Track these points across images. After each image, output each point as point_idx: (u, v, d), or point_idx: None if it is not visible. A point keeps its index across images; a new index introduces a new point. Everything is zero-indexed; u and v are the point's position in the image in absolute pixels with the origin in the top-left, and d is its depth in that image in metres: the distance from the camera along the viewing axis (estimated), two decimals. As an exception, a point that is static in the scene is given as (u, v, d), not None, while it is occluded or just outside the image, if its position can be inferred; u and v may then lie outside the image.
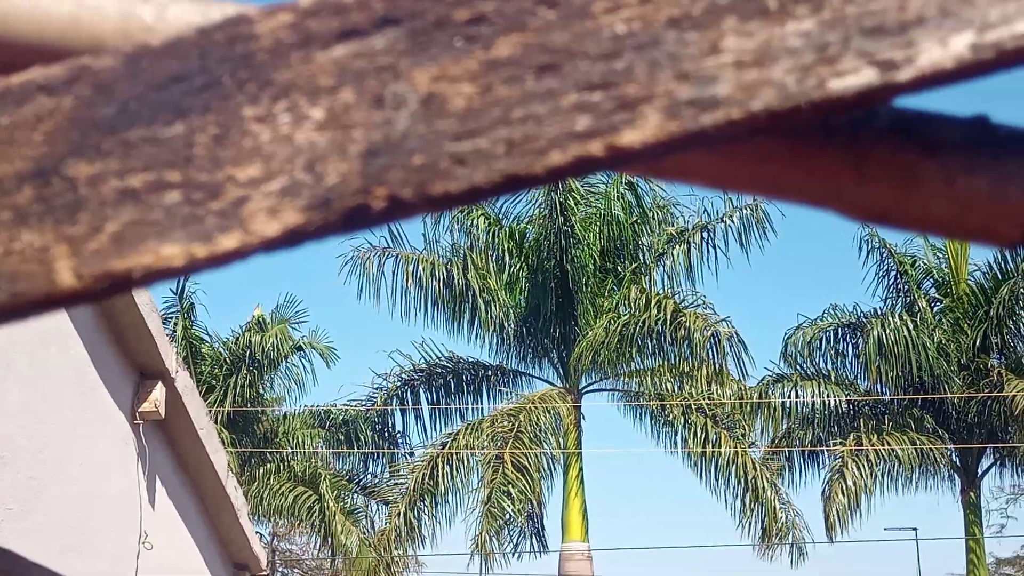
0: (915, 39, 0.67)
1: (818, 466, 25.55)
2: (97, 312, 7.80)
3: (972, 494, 25.46)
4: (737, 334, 23.00)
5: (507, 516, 22.98)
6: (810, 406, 25.20)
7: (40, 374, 7.10)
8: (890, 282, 25.94)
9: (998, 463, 25.91)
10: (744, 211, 24.05)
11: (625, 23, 0.70)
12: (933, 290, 26.05)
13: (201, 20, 0.75)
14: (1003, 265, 24.82)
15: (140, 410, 8.23)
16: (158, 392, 8.30)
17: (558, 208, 23.27)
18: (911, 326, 24.07)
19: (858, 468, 24.04)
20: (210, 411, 23.78)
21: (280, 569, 40.85)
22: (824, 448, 25.28)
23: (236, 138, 0.72)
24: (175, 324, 26.08)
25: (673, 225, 24.76)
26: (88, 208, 0.73)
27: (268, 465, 26.59)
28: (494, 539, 22.77)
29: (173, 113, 0.73)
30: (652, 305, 22.70)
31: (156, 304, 8.12)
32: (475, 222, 24.59)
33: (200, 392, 24.26)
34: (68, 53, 0.79)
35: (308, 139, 0.72)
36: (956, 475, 25.59)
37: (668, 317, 22.42)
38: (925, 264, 26.15)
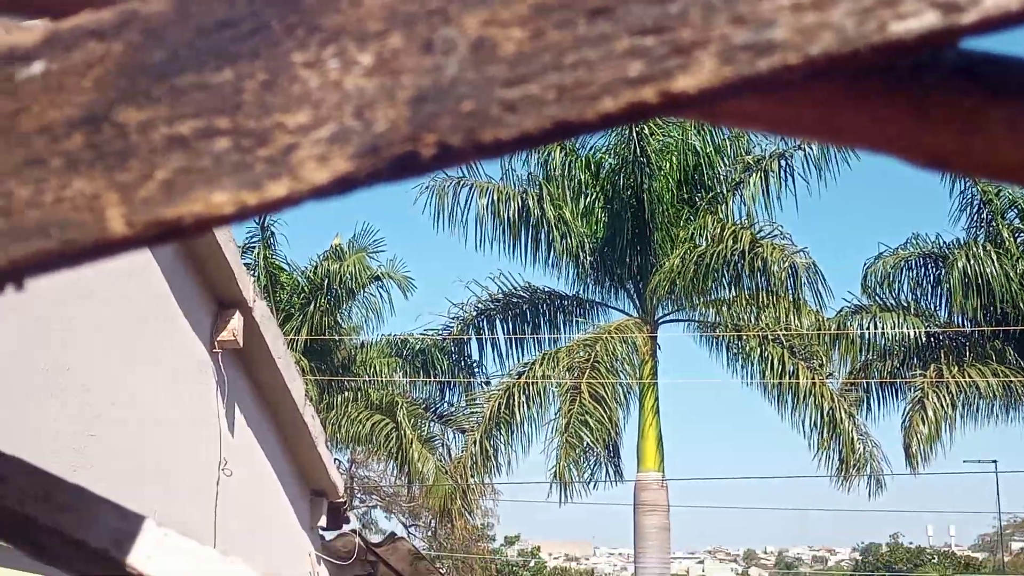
0: (981, -21, 0.65)
1: (896, 398, 25.36)
2: (177, 243, 7.89)
3: (1054, 427, 25.17)
4: (815, 264, 22.78)
5: (584, 446, 23.08)
6: (889, 337, 24.98)
7: (120, 303, 7.21)
8: (973, 212, 25.53)
9: (1082, 395, 25.55)
10: (823, 139, 23.69)
11: (679, -35, 0.68)
12: (1017, 220, 25.61)
13: (250, -36, 0.74)
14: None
15: (218, 339, 8.33)
16: (236, 321, 8.39)
17: (634, 138, 23.11)
18: (995, 257, 23.71)
19: (939, 399, 23.83)
20: (288, 339, 24.09)
21: (358, 495, 41.41)
22: (903, 380, 25.06)
23: (285, 84, 0.72)
24: (256, 254, 26.35)
25: (750, 154, 24.49)
26: (138, 155, 0.73)
27: (346, 393, 26.90)
28: (572, 468, 22.89)
29: (222, 59, 0.73)
30: (728, 235, 22.53)
31: (235, 234, 8.20)
32: (551, 152, 24.50)
33: (278, 320, 24.53)
34: (117, -2, 0.78)
35: (357, 85, 0.71)
36: (1038, 408, 25.29)
37: (745, 248, 22.25)
38: (1010, 195, 25.69)
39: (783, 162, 23.95)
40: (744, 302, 23.51)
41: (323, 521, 10.14)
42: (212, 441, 8.19)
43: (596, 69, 0.68)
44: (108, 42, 0.74)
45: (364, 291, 27.41)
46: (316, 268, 27.04)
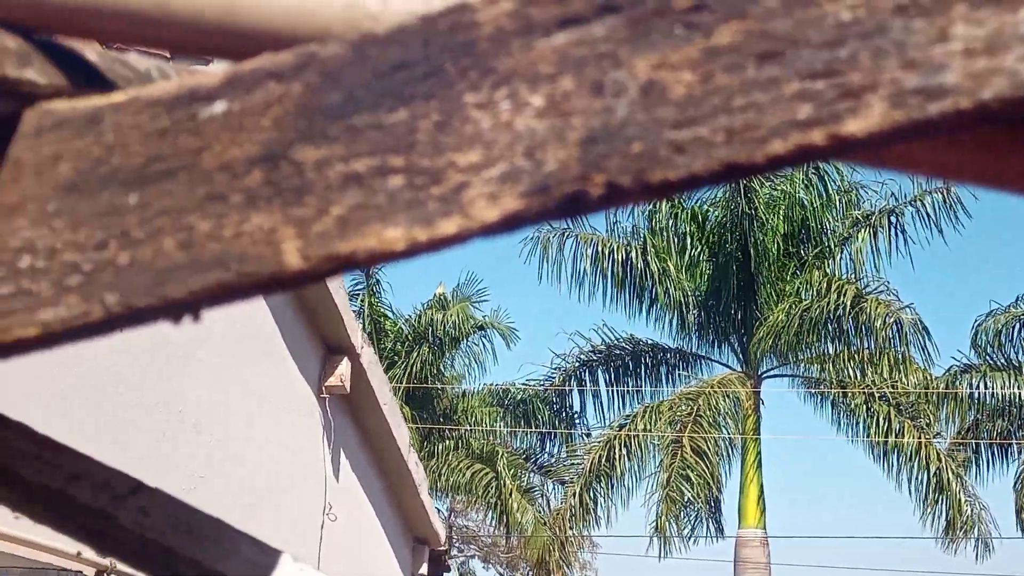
0: None
1: (1007, 459, 24.80)
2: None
3: None
4: (920, 321, 22.43)
5: (685, 500, 22.87)
6: (1000, 397, 24.47)
7: (233, 346, 7.32)
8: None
9: None
10: (934, 195, 23.41)
11: (850, 10, 0.69)
12: None
13: (424, 8, 0.77)
14: None
15: (327, 384, 8.43)
16: (344, 367, 8.48)
17: (742, 191, 23.01)
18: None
19: (1051, 461, 23.31)
20: (391, 387, 24.24)
21: (457, 544, 41.41)
22: (1015, 441, 24.52)
23: (457, 124, 0.74)
24: (361, 301, 26.61)
25: (859, 208, 24.24)
26: (315, 191, 0.75)
27: (447, 442, 26.95)
28: (672, 523, 22.68)
29: (397, 99, 0.75)
30: (833, 290, 22.30)
31: (343, 281, 8.30)
32: (657, 204, 24.46)
33: (382, 368, 24.70)
34: (296, 41, 0.81)
35: (528, 126, 0.73)
36: None
37: (849, 303, 21.99)
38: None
39: (893, 218, 23.68)
40: (848, 358, 23.21)
41: (424, 568, 10.16)
42: (318, 485, 8.26)
43: (765, 112, 0.69)
44: (287, 83, 0.77)
45: (467, 340, 27.52)
46: (420, 316, 27.21)
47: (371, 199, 0.74)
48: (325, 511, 8.25)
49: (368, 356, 8.82)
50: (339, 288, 8.37)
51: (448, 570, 10.66)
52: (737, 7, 0.71)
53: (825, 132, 0.69)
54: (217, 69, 0.79)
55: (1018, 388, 24.15)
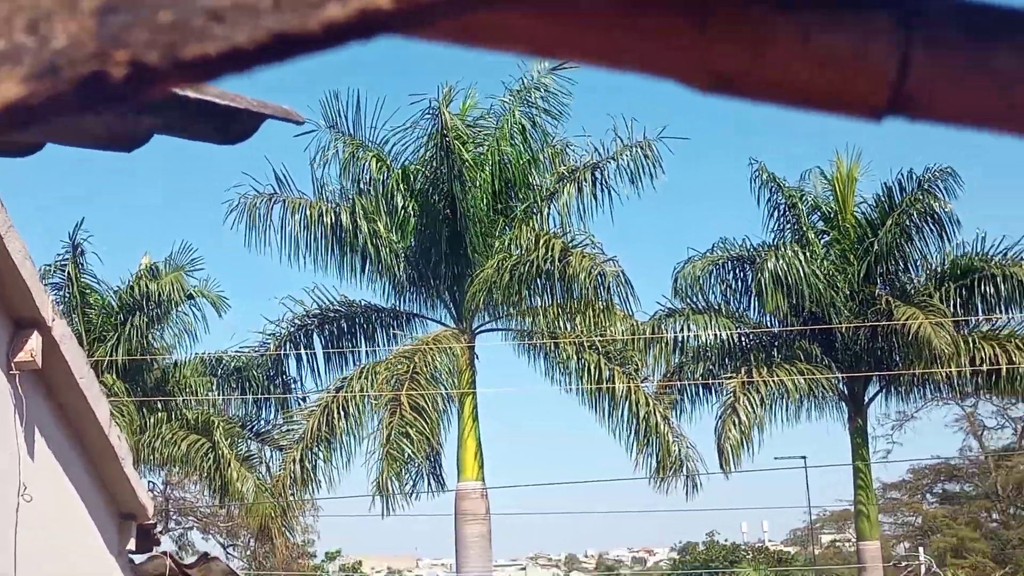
0: None
1: (711, 399, 25.89)
2: (-34, 260, 7.52)
3: (859, 421, 25.99)
4: (623, 273, 23.11)
5: (406, 457, 22.95)
6: (702, 340, 25.48)
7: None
8: (779, 216, 26.24)
9: (884, 390, 26.47)
10: (635, 149, 24.07)
11: None
12: (820, 223, 26.40)
13: None
14: (889, 197, 25.22)
15: (16, 360, 7.98)
16: (34, 341, 8.04)
17: (444, 148, 23.11)
18: (802, 257, 24.39)
19: (749, 401, 24.39)
20: (103, 361, 23.35)
21: (174, 517, 40.45)
22: (715, 381, 25.59)
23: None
24: (67, 272, 25.61)
25: (565, 164, 24.72)
26: None
27: (159, 414, 26.24)
28: (394, 480, 22.72)
29: None
30: (541, 245, 22.70)
31: (28, 250, 7.84)
32: (367, 163, 24.35)
33: (89, 341, 23.75)
34: None
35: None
36: (844, 403, 26.10)
37: (556, 256, 22.44)
38: (813, 199, 26.48)
39: (597, 172, 24.24)
40: (558, 310, 23.71)
41: (132, 544, 9.79)
42: (11, 465, 7.82)
43: (321, -29, 0.57)
44: None
45: (177, 310, 26.76)
46: (131, 288, 26.30)
47: None
48: (20, 492, 7.82)
49: (60, 329, 8.38)
50: (25, 259, 7.91)
51: (158, 543, 10.29)
52: None
53: (393, -7, 0.57)
54: None
55: (718, 330, 25.19)
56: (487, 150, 23.98)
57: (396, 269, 24.36)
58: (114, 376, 25.06)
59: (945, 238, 25.09)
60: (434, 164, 23.71)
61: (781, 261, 24.32)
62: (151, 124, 1.86)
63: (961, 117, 0.65)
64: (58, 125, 1.85)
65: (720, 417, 24.70)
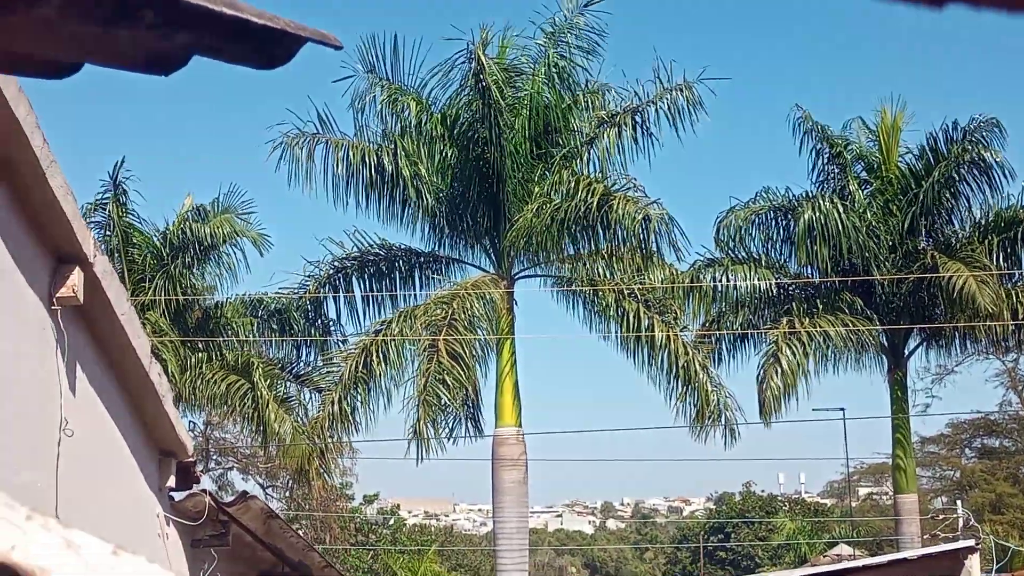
0: None
1: (750, 349, 25.80)
2: (10, 195, 7.55)
3: (899, 374, 25.86)
4: (668, 215, 22.87)
5: (443, 403, 22.99)
6: (741, 290, 25.36)
7: (-52, 258, 6.88)
8: (823, 165, 26.01)
9: (924, 343, 26.31)
10: (675, 93, 23.87)
11: None
12: (864, 173, 26.15)
13: None
14: (934, 148, 24.95)
15: (57, 295, 8.02)
16: (76, 277, 8.08)
17: (482, 92, 22.98)
18: (841, 209, 24.19)
19: (791, 351, 24.27)
20: (146, 300, 23.51)
21: (215, 457, 40.83)
22: (756, 331, 25.49)
23: None
24: (108, 211, 25.71)
25: (604, 108, 24.54)
26: None
27: (200, 354, 26.40)
28: (430, 426, 22.77)
29: None
30: (582, 189, 22.58)
31: (70, 187, 7.87)
32: (407, 106, 24.27)
33: (132, 281, 23.89)
34: None
35: None
36: (884, 356, 25.96)
37: (598, 201, 22.31)
38: (857, 148, 26.22)
39: (637, 116, 24.06)
40: (599, 256, 23.63)
41: (172, 482, 9.88)
42: (52, 401, 7.89)
43: None
44: None
45: (218, 250, 26.88)
46: (176, 228, 26.41)
47: None
48: (61, 427, 7.89)
49: (102, 265, 8.41)
50: (67, 194, 7.94)
51: (198, 481, 10.40)
52: None
53: None
54: None
55: (758, 280, 25.06)
56: (524, 94, 23.84)
57: (437, 213, 24.34)
58: (156, 315, 25.21)
59: (994, 189, 24.81)
60: (472, 108, 23.61)
61: (818, 212, 24.13)
62: (187, 43, 1.85)
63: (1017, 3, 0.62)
64: (91, 39, 1.83)
65: (762, 366, 24.58)
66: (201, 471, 10.64)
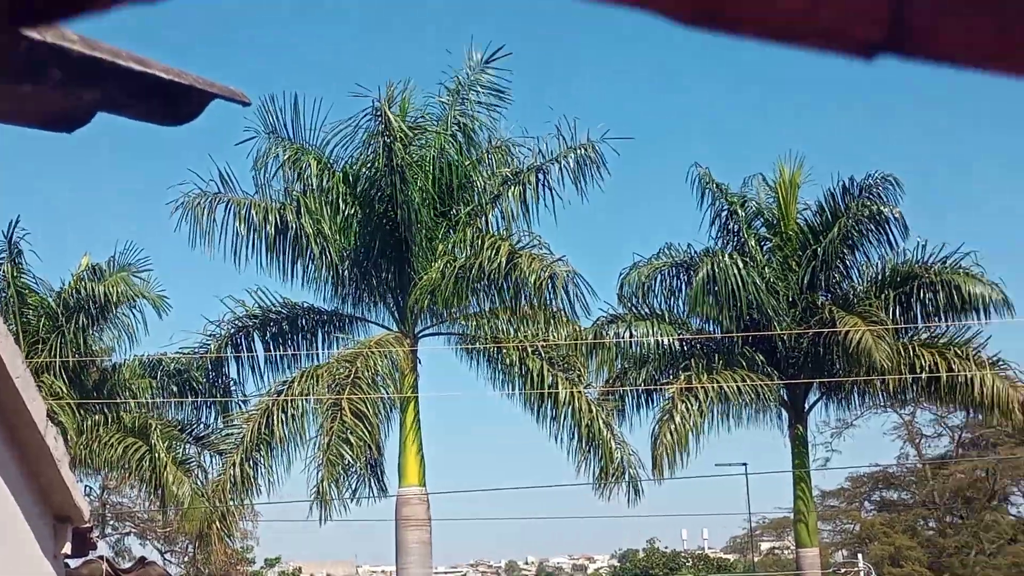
0: None
1: (653, 405, 25.93)
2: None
3: (799, 428, 26.13)
4: (575, 272, 22.93)
5: (346, 462, 22.75)
6: (644, 346, 25.49)
7: None
8: (722, 222, 26.32)
9: (824, 398, 26.64)
10: (579, 151, 24.08)
11: None
12: (764, 229, 26.51)
13: None
14: (832, 203, 25.38)
15: (-51, 358, 7.82)
16: (-32, 339, 7.90)
17: (386, 149, 22.97)
18: (740, 264, 24.48)
19: (687, 407, 24.39)
20: (42, 362, 22.99)
21: (111, 522, 40.00)
22: (655, 387, 25.63)
23: None
24: (3, 271, 25.27)
25: (509, 166, 24.66)
26: None
27: (97, 416, 25.91)
28: (333, 486, 22.51)
29: None
30: (486, 247, 22.60)
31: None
32: (308, 164, 24.18)
33: (27, 343, 23.37)
34: None
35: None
36: (784, 410, 26.23)
37: (503, 259, 22.34)
38: (756, 205, 26.59)
39: (541, 174, 24.21)
40: (504, 313, 23.65)
41: (68, 548, 9.64)
42: (-57, 466, 7.67)
43: None
44: None
45: (115, 311, 26.45)
46: (74, 288, 25.97)
47: None
48: (-48, 493, 7.68)
49: (-4, 327, 8.24)
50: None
51: (94, 547, 10.14)
52: None
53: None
54: None
55: (660, 336, 25.23)
56: (428, 151, 23.90)
57: (340, 271, 24.20)
58: (52, 377, 24.74)
59: (891, 244, 25.27)
60: (376, 165, 23.59)
61: (718, 268, 24.41)
62: (93, 101, 1.80)
63: (958, 54, 0.62)
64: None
65: (657, 422, 24.73)
66: (98, 537, 10.39)
